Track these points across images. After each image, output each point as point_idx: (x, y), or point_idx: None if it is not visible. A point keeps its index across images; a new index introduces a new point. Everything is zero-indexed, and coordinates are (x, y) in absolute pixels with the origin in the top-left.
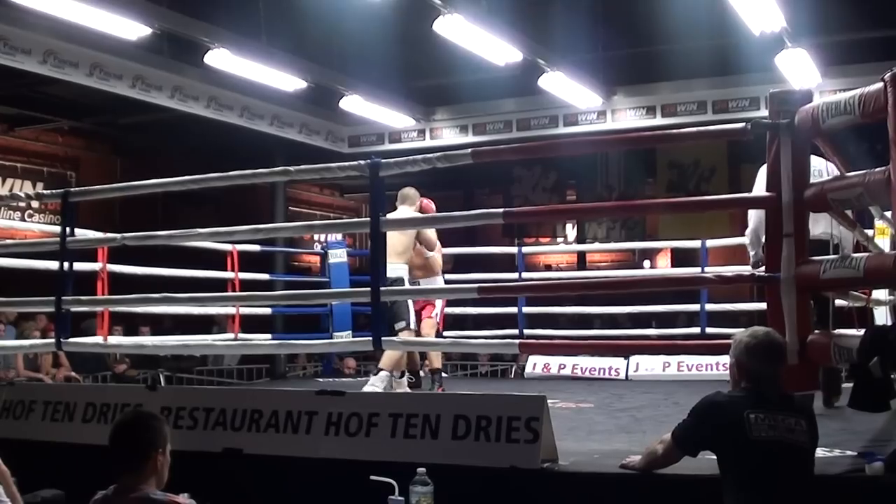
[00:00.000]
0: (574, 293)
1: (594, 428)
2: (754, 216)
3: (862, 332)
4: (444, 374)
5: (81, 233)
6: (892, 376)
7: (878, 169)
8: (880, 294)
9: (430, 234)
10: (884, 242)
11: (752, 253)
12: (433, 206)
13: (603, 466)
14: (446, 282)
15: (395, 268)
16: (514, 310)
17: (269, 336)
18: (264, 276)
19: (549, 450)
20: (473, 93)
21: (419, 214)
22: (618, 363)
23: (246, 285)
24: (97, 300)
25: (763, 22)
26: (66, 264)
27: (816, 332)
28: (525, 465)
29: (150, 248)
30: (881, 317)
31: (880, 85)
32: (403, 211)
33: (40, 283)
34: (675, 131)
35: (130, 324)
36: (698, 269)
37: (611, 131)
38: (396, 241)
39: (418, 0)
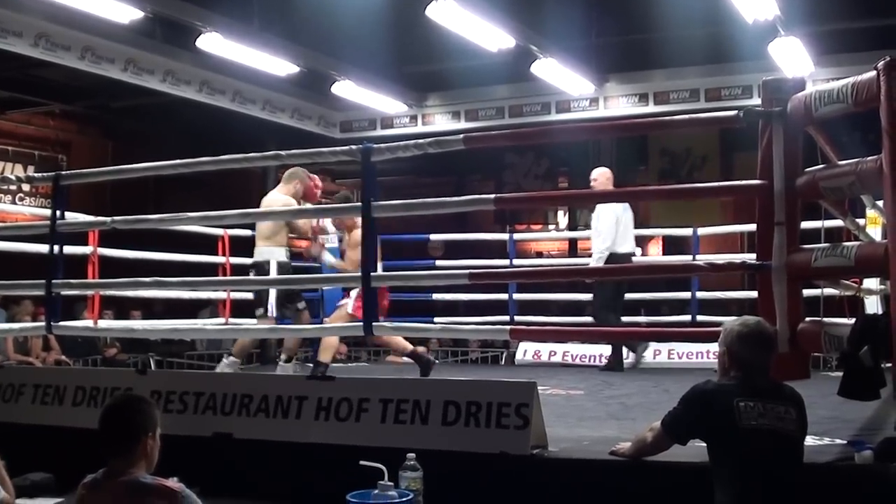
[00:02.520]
0: (565, 280)
1: (584, 415)
2: (609, 222)
3: (852, 320)
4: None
5: (72, 216)
6: (882, 365)
7: (869, 158)
8: (871, 283)
9: (300, 221)
10: (875, 232)
11: (599, 257)
12: (319, 182)
13: (592, 453)
14: (438, 267)
15: (262, 251)
16: (504, 296)
17: None
18: None
19: (539, 436)
20: (466, 79)
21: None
22: (608, 350)
23: (237, 269)
24: (87, 283)
25: (756, 10)
26: (56, 247)
27: (808, 320)
28: (515, 451)
29: (140, 232)
30: (872, 306)
31: (873, 73)
32: (280, 189)
33: (31, 266)
34: (667, 118)
35: (121, 308)
36: (689, 257)
37: (603, 118)
38: (264, 224)
39: None
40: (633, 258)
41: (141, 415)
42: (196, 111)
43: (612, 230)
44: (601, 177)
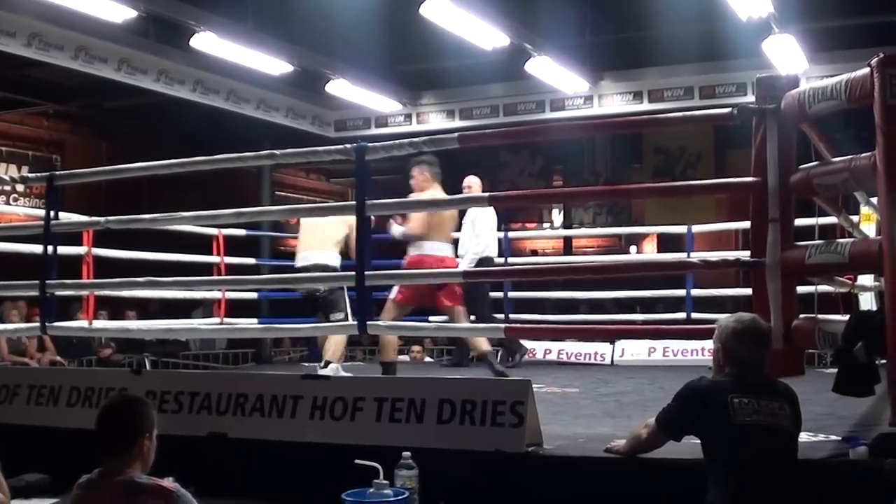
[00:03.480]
0: (560, 278)
1: (579, 412)
2: (488, 227)
3: (847, 317)
4: (428, 360)
5: (66, 216)
6: (877, 361)
7: (863, 155)
8: (865, 280)
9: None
10: (869, 228)
11: (472, 259)
12: None
13: (588, 450)
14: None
15: (329, 255)
16: (499, 294)
17: (254, 320)
18: (250, 261)
19: (534, 434)
20: (460, 77)
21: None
22: (603, 348)
23: (232, 269)
24: (82, 284)
25: (750, 7)
26: (50, 248)
27: (802, 317)
28: (510, 448)
29: (135, 232)
30: (866, 302)
31: (866, 70)
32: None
33: (25, 266)
34: (661, 116)
35: (116, 308)
36: (684, 255)
37: (598, 117)
38: (334, 230)
39: None
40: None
41: (138, 415)
42: (190, 111)
43: (489, 235)
44: (474, 185)
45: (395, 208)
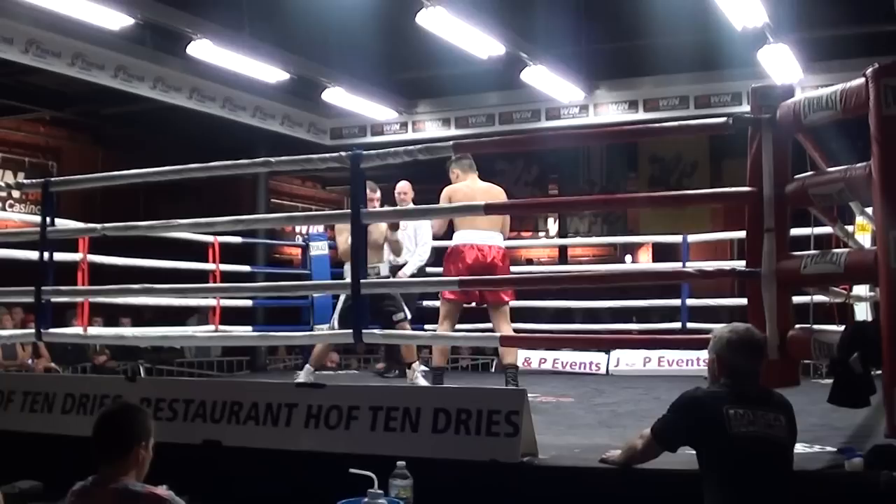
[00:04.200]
0: (555, 287)
1: (574, 422)
2: (430, 237)
3: (842, 327)
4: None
5: (62, 223)
6: (872, 372)
7: (858, 165)
8: (861, 290)
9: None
10: (864, 238)
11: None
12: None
13: (583, 461)
14: (429, 274)
15: (375, 262)
16: None
17: (249, 328)
18: (245, 268)
19: (530, 443)
20: (456, 86)
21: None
22: (598, 358)
23: (227, 277)
24: (77, 290)
25: (745, 17)
26: (46, 254)
27: (798, 327)
28: (505, 458)
29: (131, 239)
30: (861, 313)
31: (862, 80)
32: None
33: (21, 272)
34: (656, 125)
35: (111, 315)
36: (679, 264)
37: (593, 126)
38: (378, 235)
39: None
40: None
41: (136, 424)
42: (186, 118)
43: (430, 245)
44: (410, 190)
45: (389, 216)
